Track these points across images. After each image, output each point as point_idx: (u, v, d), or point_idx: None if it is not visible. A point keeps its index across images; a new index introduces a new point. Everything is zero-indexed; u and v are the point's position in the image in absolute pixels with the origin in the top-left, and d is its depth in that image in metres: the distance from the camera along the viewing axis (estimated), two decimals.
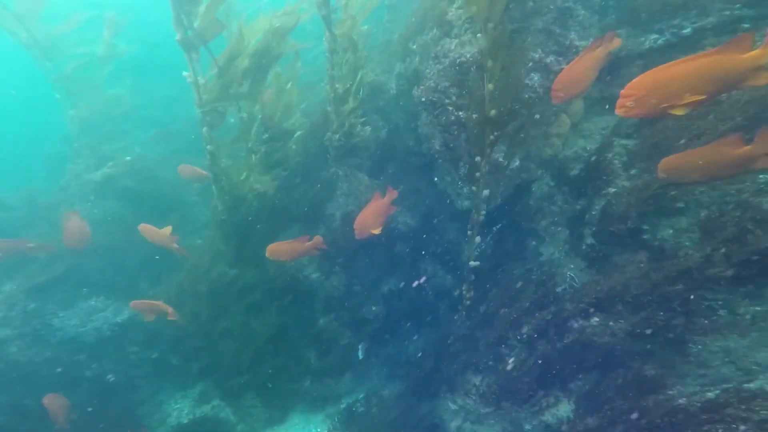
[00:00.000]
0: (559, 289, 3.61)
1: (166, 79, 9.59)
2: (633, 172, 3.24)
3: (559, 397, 3.55)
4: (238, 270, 5.01)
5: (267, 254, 3.95)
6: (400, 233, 4.68)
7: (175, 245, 4.77)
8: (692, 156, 2.36)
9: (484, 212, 3.66)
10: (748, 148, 2.17)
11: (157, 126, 9.06)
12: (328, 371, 5.03)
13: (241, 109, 4.56)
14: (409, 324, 4.88)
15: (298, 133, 5.07)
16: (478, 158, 3.45)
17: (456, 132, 3.80)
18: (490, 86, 3.12)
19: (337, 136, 4.62)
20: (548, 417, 3.53)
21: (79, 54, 7.44)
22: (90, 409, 5.10)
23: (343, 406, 5.01)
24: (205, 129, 4.34)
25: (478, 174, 3.51)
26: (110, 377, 5.48)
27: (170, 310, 4.47)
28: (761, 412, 2.40)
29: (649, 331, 3.04)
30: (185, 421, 5.51)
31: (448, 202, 4.44)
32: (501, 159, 3.59)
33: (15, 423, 5.02)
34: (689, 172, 2.41)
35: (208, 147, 4.40)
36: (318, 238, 4.03)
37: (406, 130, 4.86)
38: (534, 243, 3.99)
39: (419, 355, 4.71)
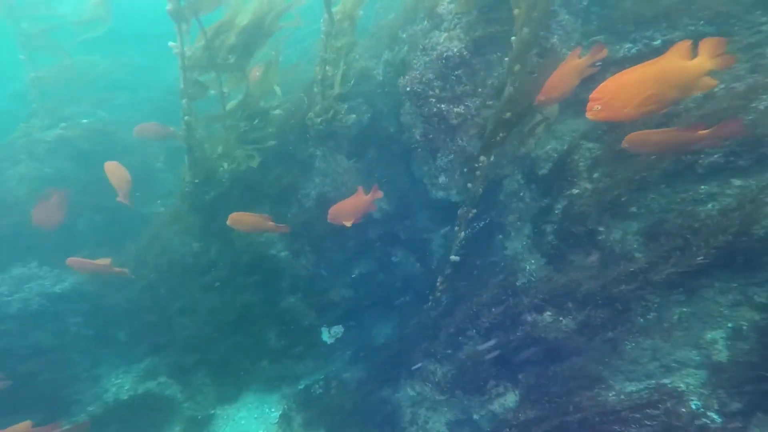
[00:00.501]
0: (519, 283, 3.75)
1: (143, 48, 9.37)
2: (596, 175, 3.45)
3: (508, 388, 3.71)
4: (202, 243, 4.84)
5: (228, 221, 3.91)
6: (374, 218, 4.73)
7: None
8: (654, 134, 2.67)
9: (475, 210, 3.76)
10: (702, 132, 2.47)
11: (127, 93, 8.62)
12: (288, 352, 4.97)
13: (223, 84, 4.44)
14: (375, 309, 4.93)
15: (278, 111, 5.00)
16: (483, 158, 3.54)
17: (437, 123, 3.90)
18: (511, 89, 3.25)
19: (319, 120, 4.60)
20: (496, 406, 3.68)
21: (52, 16, 7.00)
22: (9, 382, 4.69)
23: (301, 387, 4.97)
24: (185, 100, 4.19)
25: (478, 173, 3.60)
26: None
27: (119, 270, 4.23)
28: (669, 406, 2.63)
29: (592, 329, 3.23)
30: (125, 397, 5.24)
31: (422, 191, 4.54)
32: (476, 153, 3.72)
33: None
34: (648, 146, 2.72)
35: (186, 118, 4.26)
36: (284, 226, 4.01)
37: (388, 117, 4.92)
38: (500, 237, 4.15)
39: (382, 341, 4.77)
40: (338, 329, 5.06)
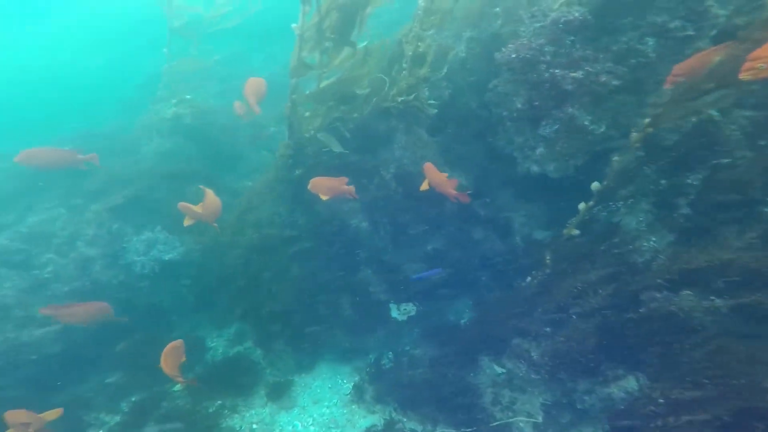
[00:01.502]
0: (639, 261, 3.40)
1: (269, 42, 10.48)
2: (762, 143, 3.05)
3: (628, 370, 3.31)
4: (291, 214, 5.13)
5: (309, 186, 4.18)
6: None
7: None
8: None
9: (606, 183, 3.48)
10: None
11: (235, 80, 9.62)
12: (361, 324, 5.01)
13: (323, 63, 4.67)
14: (451, 287, 4.74)
15: (364, 91, 5.11)
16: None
17: (546, 90, 3.75)
18: None
19: (401, 99, 4.62)
20: (614, 390, 3.29)
21: (192, 11, 8.12)
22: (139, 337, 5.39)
23: (372, 360, 4.96)
24: (294, 79, 4.51)
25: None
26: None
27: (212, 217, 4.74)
28: None
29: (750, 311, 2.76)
30: (219, 358, 5.75)
31: (506, 167, 4.33)
32: (586, 123, 3.47)
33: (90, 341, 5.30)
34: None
35: (293, 96, 4.59)
36: (352, 188, 4.19)
37: (469, 93, 4.83)
38: (605, 214, 3.72)
39: (458, 319, 4.56)
40: (410, 307, 4.98)
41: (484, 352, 4.01)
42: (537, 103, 3.79)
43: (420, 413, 4.13)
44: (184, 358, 4.10)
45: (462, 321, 4.70)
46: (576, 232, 3.67)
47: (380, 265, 4.87)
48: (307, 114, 4.95)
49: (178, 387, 5.30)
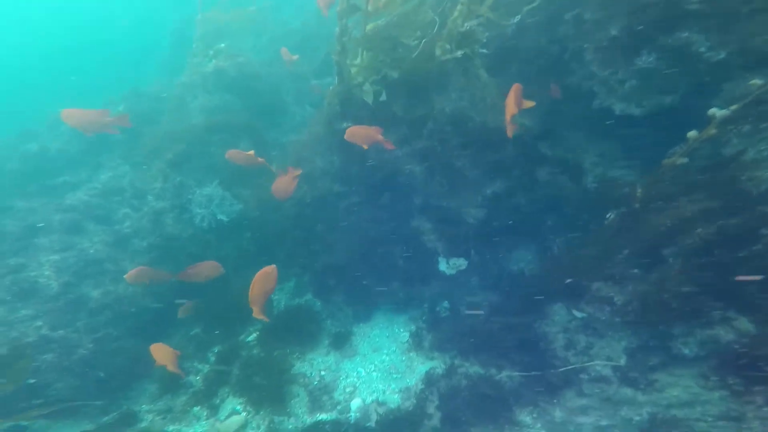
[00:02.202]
0: (755, 192, 2.92)
1: None
2: None
3: (739, 313, 3.00)
4: (343, 164, 5.03)
5: (345, 136, 4.14)
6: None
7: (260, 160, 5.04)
8: None
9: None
10: None
11: (272, 32, 9.33)
12: (416, 274, 4.98)
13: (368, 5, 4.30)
14: (512, 233, 4.53)
15: (419, 34, 4.68)
16: None
17: (660, 10, 3.22)
18: None
19: (457, 39, 4.16)
20: (721, 331, 3.02)
21: None
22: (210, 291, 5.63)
23: (427, 309, 4.99)
24: (342, 21, 4.23)
25: None
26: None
27: (262, 160, 4.85)
28: None
29: None
30: (282, 309, 5.98)
31: (579, 105, 3.88)
32: (702, 50, 2.94)
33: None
34: None
35: (343, 39, 4.34)
36: (386, 141, 4.10)
37: (536, 30, 4.28)
38: (715, 144, 3.27)
39: (521, 266, 4.40)
40: (460, 261, 4.86)
41: (554, 299, 3.86)
42: (640, 28, 3.27)
43: (482, 359, 4.13)
44: (274, 286, 4.04)
45: (525, 268, 4.52)
46: (684, 160, 3.20)
47: (436, 211, 4.71)
48: (357, 60, 4.65)
49: (252, 337, 5.68)
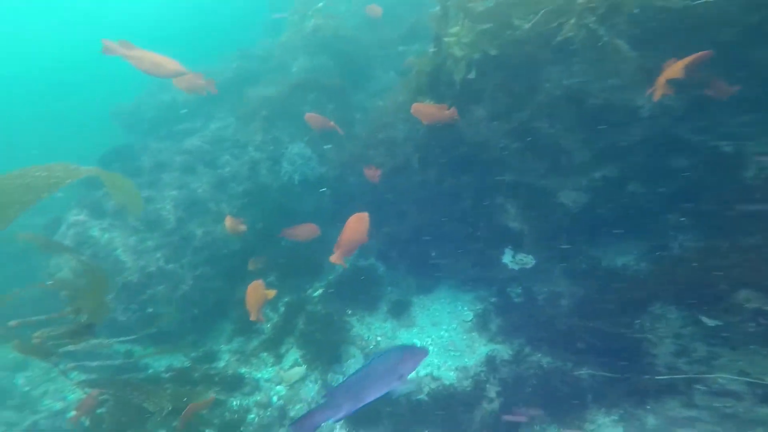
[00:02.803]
0: None
1: None
2: None
3: None
4: (428, 132, 4.82)
5: (411, 109, 4.09)
6: (649, 115, 3.52)
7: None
8: None
9: None
10: None
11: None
12: (490, 254, 4.68)
13: None
14: (618, 223, 3.96)
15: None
16: None
17: None
18: None
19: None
20: None
21: None
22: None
23: (497, 292, 4.71)
24: None
25: None
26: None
27: (333, 124, 4.96)
28: None
29: None
30: (349, 267, 6.14)
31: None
32: None
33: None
34: None
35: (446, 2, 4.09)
36: (453, 111, 4.01)
37: None
38: None
39: (625, 260, 3.83)
40: (528, 258, 4.42)
41: (665, 301, 3.29)
42: None
43: (558, 353, 3.80)
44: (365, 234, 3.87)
45: (629, 265, 3.94)
46: None
47: (528, 191, 4.28)
48: (455, 29, 4.24)
49: (317, 293, 6.06)
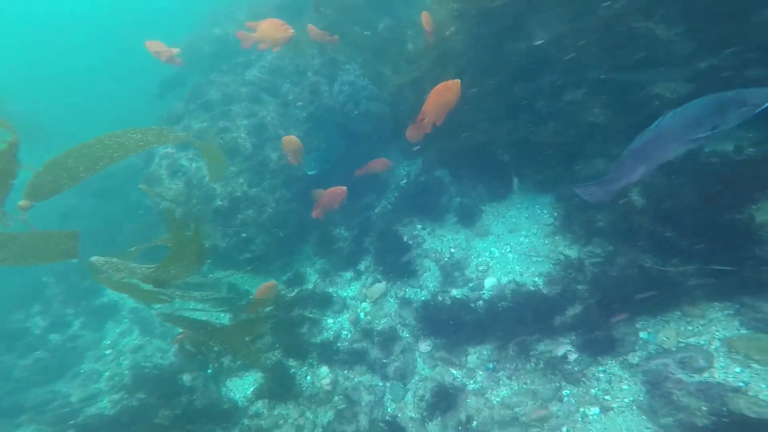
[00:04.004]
0: None
1: None
2: None
3: None
4: (491, 32, 4.41)
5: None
6: None
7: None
8: None
9: None
10: None
11: None
12: (568, 149, 4.42)
13: None
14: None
15: None
16: None
17: None
18: None
19: None
20: None
21: None
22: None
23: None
24: None
25: None
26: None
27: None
28: None
29: None
30: (412, 180, 6.29)
31: None
32: None
33: None
34: None
35: None
36: None
37: None
38: None
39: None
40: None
41: None
42: None
43: (654, 250, 3.54)
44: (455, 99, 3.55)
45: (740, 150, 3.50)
46: None
47: (615, 86, 3.88)
48: None
49: (386, 208, 6.19)
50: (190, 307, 6.77)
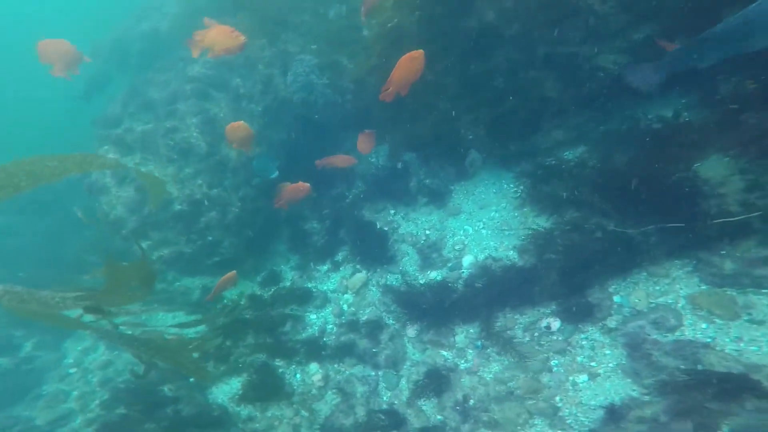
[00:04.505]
0: None
1: None
2: None
3: None
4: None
5: None
6: None
7: None
8: None
9: None
10: None
11: None
12: (528, 125, 4.56)
13: None
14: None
15: None
16: None
17: None
18: None
19: None
20: None
21: None
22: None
23: (547, 163, 4.63)
24: None
25: None
26: None
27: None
28: None
29: None
30: (379, 167, 6.16)
31: None
32: None
33: None
34: None
35: None
36: None
37: None
38: None
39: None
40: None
41: (724, 147, 3.26)
42: None
43: (615, 215, 3.76)
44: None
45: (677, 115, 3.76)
46: None
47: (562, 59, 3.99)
48: None
49: (354, 197, 6.15)
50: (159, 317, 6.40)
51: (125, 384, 5.27)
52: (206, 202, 5.22)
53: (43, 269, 7.99)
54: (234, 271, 4.80)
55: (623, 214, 3.65)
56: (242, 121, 4.24)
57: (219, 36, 3.93)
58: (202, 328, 5.96)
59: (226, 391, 5.12)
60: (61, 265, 8.05)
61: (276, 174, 5.08)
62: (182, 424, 4.58)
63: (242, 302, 5.88)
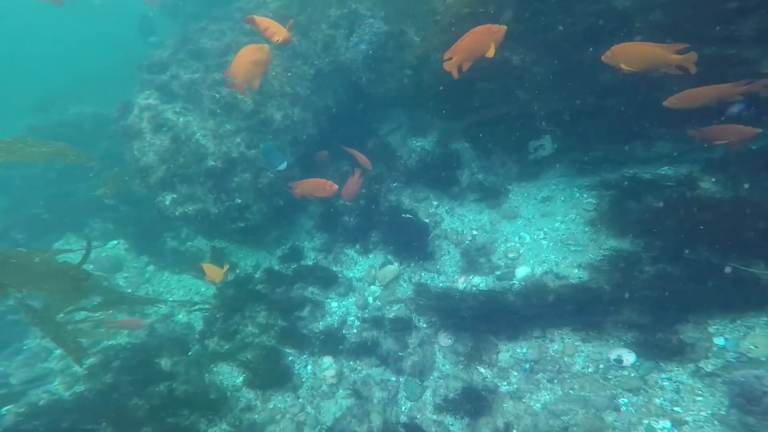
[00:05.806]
0: None
1: None
2: None
3: None
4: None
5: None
6: None
7: None
8: None
9: None
10: None
11: None
12: (618, 131, 3.91)
13: None
14: None
15: None
16: None
17: None
18: None
19: None
20: None
21: None
22: None
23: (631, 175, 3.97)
24: None
25: None
26: None
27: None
28: None
29: None
30: (429, 149, 5.70)
31: None
32: None
33: None
34: None
35: None
36: None
37: None
38: None
39: None
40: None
41: None
42: None
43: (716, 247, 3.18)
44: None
45: None
46: None
47: None
48: None
49: (395, 184, 5.61)
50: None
51: (115, 351, 4.84)
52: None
53: (54, 205, 7.80)
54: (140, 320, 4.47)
55: (742, 251, 2.98)
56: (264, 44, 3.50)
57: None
58: (210, 291, 5.56)
59: (227, 372, 4.68)
60: (73, 203, 7.88)
61: (284, 166, 4.57)
62: (174, 404, 4.13)
63: (257, 275, 5.45)
